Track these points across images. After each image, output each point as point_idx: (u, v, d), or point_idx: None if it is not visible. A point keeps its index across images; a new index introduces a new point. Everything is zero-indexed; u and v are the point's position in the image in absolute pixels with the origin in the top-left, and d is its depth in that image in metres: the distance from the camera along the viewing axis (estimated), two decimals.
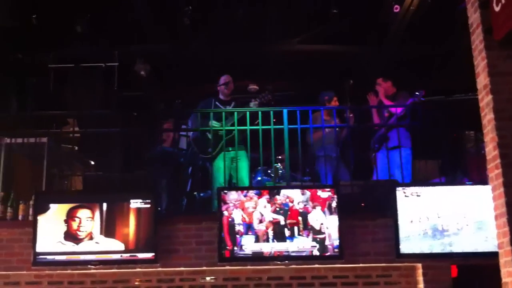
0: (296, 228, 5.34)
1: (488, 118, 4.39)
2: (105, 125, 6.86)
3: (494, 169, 4.29)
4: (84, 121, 7.14)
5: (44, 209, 5.42)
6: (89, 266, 5.39)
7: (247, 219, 5.36)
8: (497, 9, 4.26)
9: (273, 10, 8.26)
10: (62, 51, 8.75)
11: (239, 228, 5.33)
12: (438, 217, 5.30)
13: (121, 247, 5.36)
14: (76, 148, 7.18)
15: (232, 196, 5.42)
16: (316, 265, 5.56)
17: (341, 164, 6.76)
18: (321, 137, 6.30)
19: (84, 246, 5.36)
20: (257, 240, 5.32)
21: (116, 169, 7.14)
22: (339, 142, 6.83)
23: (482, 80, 4.47)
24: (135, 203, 5.44)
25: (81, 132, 6.98)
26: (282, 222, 5.36)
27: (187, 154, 6.99)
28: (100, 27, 8.25)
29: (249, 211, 5.37)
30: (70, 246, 5.35)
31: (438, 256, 5.27)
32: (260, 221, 5.35)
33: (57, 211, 5.41)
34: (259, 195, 5.43)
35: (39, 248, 5.35)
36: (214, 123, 6.33)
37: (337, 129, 6.72)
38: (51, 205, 5.43)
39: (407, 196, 5.35)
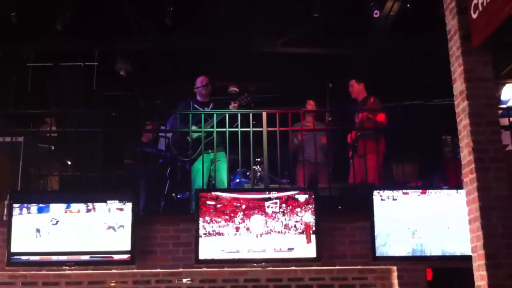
0: (274, 230, 5.34)
1: (464, 123, 4.44)
2: (84, 124, 6.80)
3: (469, 174, 4.34)
4: (62, 120, 7.07)
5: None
6: (64, 267, 5.35)
7: (223, 221, 5.35)
8: (474, 16, 4.32)
9: (257, 11, 8.26)
10: (42, 49, 8.67)
11: (217, 229, 5.32)
12: (413, 220, 5.35)
13: (97, 247, 5.31)
14: (53, 147, 7.10)
15: (211, 197, 5.41)
16: (293, 267, 5.57)
17: (324, 169, 6.79)
18: (302, 142, 6.35)
19: (60, 246, 5.30)
20: (234, 241, 5.31)
21: (95, 169, 7.07)
22: (323, 147, 6.87)
23: (459, 86, 4.52)
24: (112, 204, 5.40)
25: (58, 131, 6.90)
26: (261, 224, 5.36)
27: (166, 155, 6.97)
28: (80, 25, 8.18)
29: (226, 213, 5.36)
30: (45, 246, 5.29)
31: (413, 259, 5.32)
32: (238, 223, 5.35)
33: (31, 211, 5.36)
34: (238, 197, 5.42)
35: (14, 248, 5.29)
36: (194, 128, 6.29)
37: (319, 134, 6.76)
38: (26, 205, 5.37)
39: (384, 200, 5.39)
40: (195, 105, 6.64)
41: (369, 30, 8.34)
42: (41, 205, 5.38)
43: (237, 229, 5.34)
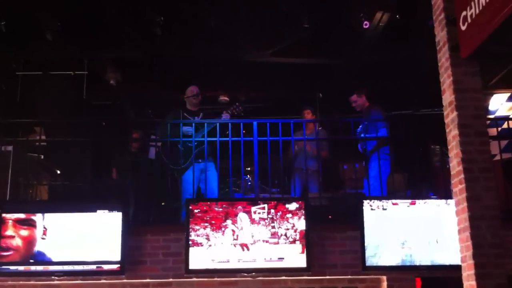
0: (264, 240, 5.34)
1: (453, 134, 4.47)
2: (74, 133, 6.78)
3: (458, 184, 4.37)
4: (51, 130, 7.03)
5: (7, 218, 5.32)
6: (53, 277, 5.31)
7: (213, 231, 5.34)
8: (463, 28, 4.36)
9: (247, 21, 8.29)
10: (32, 57, 8.64)
11: (206, 239, 5.31)
12: (403, 230, 5.36)
13: (87, 257, 5.28)
14: (42, 157, 7.06)
15: (200, 207, 5.40)
16: (283, 277, 5.57)
17: (313, 177, 6.79)
18: (300, 150, 6.37)
19: (48, 256, 5.26)
20: (224, 251, 5.30)
21: (84, 179, 7.04)
22: (318, 156, 6.88)
23: (448, 96, 4.55)
24: (102, 213, 5.38)
25: (48, 140, 6.87)
26: (251, 233, 5.35)
27: (157, 164, 6.94)
28: (71, 34, 8.16)
29: (216, 223, 5.36)
30: (34, 256, 5.25)
31: (403, 268, 5.34)
32: (228, 232, 5.34)
33: None
34: (228, 207, 5.42)
35: (2, 258, 5.25)
36: (186, 129, 6.28)
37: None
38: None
39: (374, 209, 5.40)
40: (185, 114, 6.63)
41: (359, 40, 8.39)
42: (30, 215, 5.34)
43: (227, 238, 5.33)
